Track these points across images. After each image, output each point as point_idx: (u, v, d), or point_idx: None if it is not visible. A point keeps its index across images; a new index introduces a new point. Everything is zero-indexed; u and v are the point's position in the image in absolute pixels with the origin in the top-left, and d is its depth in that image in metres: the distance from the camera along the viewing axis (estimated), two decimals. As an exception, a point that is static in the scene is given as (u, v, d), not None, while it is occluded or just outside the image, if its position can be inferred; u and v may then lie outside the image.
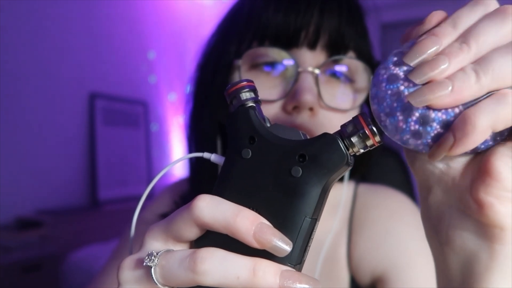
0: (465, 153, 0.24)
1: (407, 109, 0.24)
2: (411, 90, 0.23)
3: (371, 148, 0.26)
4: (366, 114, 0.26)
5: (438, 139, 0.24)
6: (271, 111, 0.47)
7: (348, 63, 0.48)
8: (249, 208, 0.25)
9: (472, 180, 0.24)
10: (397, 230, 0.53)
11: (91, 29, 2.45)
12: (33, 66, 2.14)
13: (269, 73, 0.48)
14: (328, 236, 0.54)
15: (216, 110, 0.52)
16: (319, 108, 0.46)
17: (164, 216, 0.58)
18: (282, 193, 0.26)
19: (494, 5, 0.24)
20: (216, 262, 0.24)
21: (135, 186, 2.71)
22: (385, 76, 0.25)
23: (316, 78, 0.46)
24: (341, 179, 0.57)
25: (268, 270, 0.24)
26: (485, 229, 0.24)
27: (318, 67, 0.46)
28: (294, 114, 0.46)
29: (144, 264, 0.25)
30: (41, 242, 1.95)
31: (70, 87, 2.32)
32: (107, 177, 2.49)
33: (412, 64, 0.24)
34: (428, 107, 0.23)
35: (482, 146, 0.24)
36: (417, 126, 0.24)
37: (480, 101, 0.22)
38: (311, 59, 0.46)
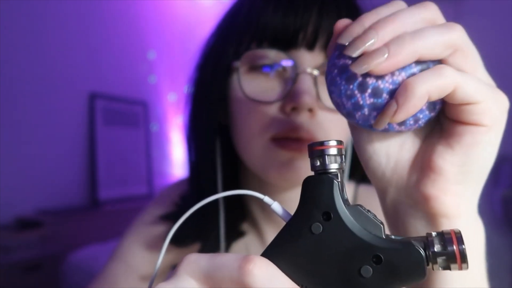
0: (408, 125, 0.27)
1: (362, 85, 0.26)
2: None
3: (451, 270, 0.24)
4: (460, 232, 0.24)
5: None
6: (270, 112, 0.47)
7: None
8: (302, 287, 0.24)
9: (417, 177, 0.28)
10: None
11: (91, 29, 2.45)
12: (33, 66, 2.14)
13: (268, 74, 0.48)
14: None
15: (215, 111, 0.52)
16: (318, 109, 0.46)
17: (163, 218, 0.58)
18: (343, 287, 0.23)
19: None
20: None
21: (135, 186, 2.71)
22: (335, 69, 0.27)
23: (314, 79, 0.46)
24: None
25: None
26: (433, 219, 0.28)
27: (317, 68, 0.46)
28: (293, 115, 0.46)
29: None
30: (41, 242, 1.95)
31: (70, 87, 2.32)
32: (107, 177, 2.49)
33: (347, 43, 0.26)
34: (377, 79, 0.25)
35: (421, 118, 0.26)
36: (372, 100, 0.26)
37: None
38: (310, 60, 0.46)
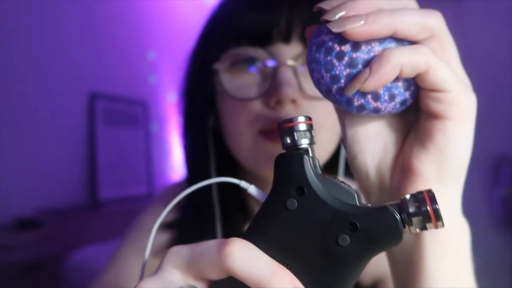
0: (383, 100, 0.27)
1: (339, 55, 0.26)
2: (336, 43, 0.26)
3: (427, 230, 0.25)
4: (432, 191, 0.24)
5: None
6: (255, 108, 0.48)
7: None
8: (284, 264, 0.24)
9: (399, 179, 0.29)
10: None
11: (91, 29, 2.45)
12: (33, 66, 2.14)
13: (248, 71, 0.49)
14: None
15: (205, 115, 0.53)
16: (302, 99, 0.47)
17: (167, 226, 0.58)
18: (323, 258, 0.24)
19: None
20: None
21: (135, 186, 2.71)
22: (313, 46, 0.28)
23: (294, 70, 0.47)
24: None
25: None
26: None
27: (295, 58, 0.47)
28: (278, 109, 0.46)
29: None
30: (41, 242, 1.95)
31: (70, 87, 2.32)
32: (107, 177, 2.49)
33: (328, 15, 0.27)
34: (354, 49, 0.26)
35: (396, 95, 0.27)
36: (348, 70, 0.26)
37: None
38: (288, 52, 0.47)
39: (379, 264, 0.52)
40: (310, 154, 0.25)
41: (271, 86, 0.47)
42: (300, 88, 0.47)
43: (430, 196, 0.24)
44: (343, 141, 0.32)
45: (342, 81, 0.26)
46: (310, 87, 0.48)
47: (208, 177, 0.53)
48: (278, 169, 0.25)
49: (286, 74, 0.46)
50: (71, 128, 2.35)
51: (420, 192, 0.24)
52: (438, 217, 0.24)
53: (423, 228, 0.24)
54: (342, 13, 0.25)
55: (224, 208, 0.54)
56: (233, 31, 0.49)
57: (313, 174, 0.25)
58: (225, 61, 0.49)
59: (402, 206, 0.24)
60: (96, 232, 2.18)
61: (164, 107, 3.00)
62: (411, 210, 0.24)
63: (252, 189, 0.28)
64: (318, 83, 0.28)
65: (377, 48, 0.26)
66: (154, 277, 0.25)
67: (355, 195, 0.25)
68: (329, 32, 0.27)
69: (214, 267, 0.23)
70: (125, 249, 0.58)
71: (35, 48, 2.15)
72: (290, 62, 0.47)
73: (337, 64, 0.26)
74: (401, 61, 0.24)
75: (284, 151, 0.26)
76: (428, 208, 0.24)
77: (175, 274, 0.25)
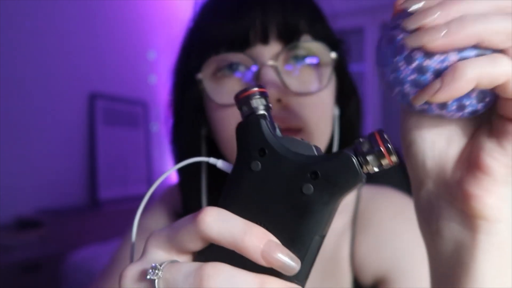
0: (450, 110, 0.25)
1: (408, 59, 0.24)
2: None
3: (385, 168, 0.25)
4: (383, 131, 0.25)
5: None
6: None
7: (305, 47, 0.49)
8: (257, 223, 0.25)
9: (462, 174, 0.26)
10: (401, 232, 0.53)
11: (91, 29, 2.45)
12: (33, 66, 2.14)
13: (231, 77, 0.49)
14: (331, 237, 0.54)
15: (196, 126, 0.53)
16: (288, 97, 0.47)
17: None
18: (292, 210, 0.25)
19: None
20: (222, 279, 0.23)
21: (135, 186, 2.71)
22: (384, 39, 0.26)
23: (276, 69, 0.47)
24: None
25: None
26: (471, 220, 0.26)
27: (275, 58, 0.47)
28: None
29: (148, 277, 0.24)
30: (41, 242, 1.95)
31: (70, 87, 2.32)
32: (107, 177, 2.49)
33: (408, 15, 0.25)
34: (426, 56, 0.24)
35: (467, 106, 0.25)
36: (415, 76, 0.24)
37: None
38: (267, 53, 0.48)
39: (379, 264, 0.52)
40: (268, 119, 0.27)
41: None
42: (285, 86, 0.47)
43: (380, 135, 0.25)
44: (401, 125, 0.30)
45: (407, 86, 0.25)
46: (295, 83, 0.48)
47: (200, 187, 0.54)
48: (239, 137, 0.27)
49: (268, 75, 0.46)
50: (71, 128, 2.36)
51: (372, 134, 0.25)
52: (390, 152, 0.25)
53: (380, 166, 0.25)
54: (423, 22, 0.23)
55: None
56: (211, 40, 0.49)
57: (271, 135, 0.26)
58: (207, 70, 0.50)
59: (356, 148, 0.25)
60: (96, 232, 2.18)
61: (164, 107, 3.00)
62: (365, 149, 0.25)
63: (220, 163, 0.29)
64: (381, 76, 0.27)
65: (453, 58, 0.24)
66: (139, 261, 0.26)
67: (313, 147, 0.26)
68: (403, 29, 0.24)
69: (192, 236, 0.25)
70: (125, 250, 0.58)
71: (35, 48, 2.15)
72: (271, 62, 0.47)
73: (403, 67, 0.25)
74: (477, 75, 0.23)
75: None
76: (380, 145, 0.25)
77: (159, 254, 0.26)
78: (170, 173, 0.31)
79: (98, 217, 2.30)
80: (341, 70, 0.53)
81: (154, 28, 2.89)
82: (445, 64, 0.24)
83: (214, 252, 0.25)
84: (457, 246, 0.27)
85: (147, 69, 2.85)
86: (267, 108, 0.27)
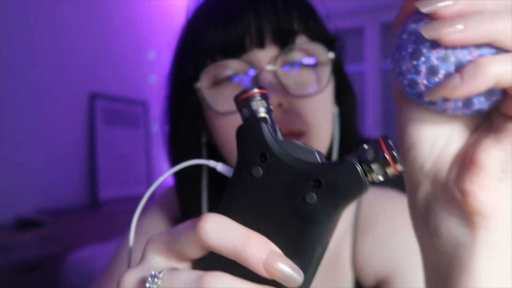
0: (456, 106, 0.25)
1: (431, 47, 0.23)
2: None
3: (390, 176, 0.25)
4: (388, 137, 0.24)
5: None
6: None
7: (302, 48, 0.49)
8: (257, 231, 0.24)
9: (458, 171, 0.26)
10: (403, 233, 0.53)
11: (91, 29, 2.45)
12: (33, 67, 2.14)
13: (230, 84, 0.48)
14: (332, 239, 0.54)
15: (195, 134, 0.53)
16: (289, 99, 0.47)
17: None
18: (294, 219, 0.24)
19: None
20: None
21: (135, 186, 2.71)
22: (402, 33, 0.25)
23: (274, 73, 0.47)
24: None
25: None
26: (468, 217, 0.26)
27: (273, 62, 0.47)
28: None
29: (147, 285, 0.24)
30: (41, 242, 1.95)
31: (70, 87, 2.32)
32: (107, 177, 2.49)
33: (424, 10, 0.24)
34: (447, 48, 0.23)
35: (474, 104, 0.24)
36: (435, 63, 0.23)
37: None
38: (264, 58, 0.47)
39: (381, 265, 0.52)
40: (269, 122, 0.26)
41: None
42: (285, 90, 0.47)
43: (386, 142, 0.24)
44: (399, 127, 0.29)
45: (420, 77, 0.24)
46: (295, 86, 0.48)
47: (199, 191, 0.53)
48: (240, 140, 0.26)
49: (267, 80, 0.46)
50: (71, 128, 2.36)
51: (376, 141, 0.24)
52: (395, 160, 0.24)
53: (385, 174, 0.24)
54: (437, 6, 0.23)
55: None
56: (207, 48, 0.48)
57: (272, 139, 0.25)
58: (205, 79, 0.49)
59: (360, 156, 0.24)
60: (96, 232, 2.18)
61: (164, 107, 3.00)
62: (370, 157, 0.24)
63: (220, 166, 0.28)
64: (394, 64, 0.26)
65: (471, 53, 0.23)
66: (138, 266, 0.26)
67: (316, 153, 0.25)
68: (419, 20, 0.24)
69: (192, 244, 0.24)
70: (124, 251, 0.58)
71: (35, 48, 2.15)
72: (269, 67, 0.46)
73: (423, 58, 0.24)
74: (498, 73, 0.22)
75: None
76: (386, 153, 0.24)
77: (158, 260, 0.26)
78: (168, 176, 0.30)
79: (98, 217, 2.30)
80: (337, 68, 0.53)
81: (154, 28, 2.89)
82: (466, 58, 0.23)
83: (214, 259, 0.24)
84: (456, 245, 0.27)
85: (147, 69, 2.85)
86: (268, 110, 0.26)
